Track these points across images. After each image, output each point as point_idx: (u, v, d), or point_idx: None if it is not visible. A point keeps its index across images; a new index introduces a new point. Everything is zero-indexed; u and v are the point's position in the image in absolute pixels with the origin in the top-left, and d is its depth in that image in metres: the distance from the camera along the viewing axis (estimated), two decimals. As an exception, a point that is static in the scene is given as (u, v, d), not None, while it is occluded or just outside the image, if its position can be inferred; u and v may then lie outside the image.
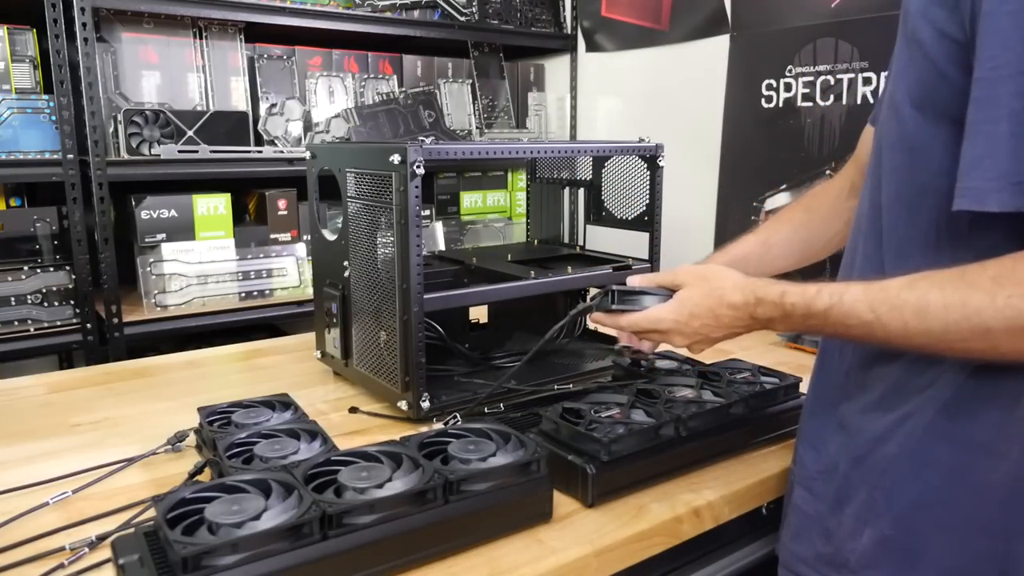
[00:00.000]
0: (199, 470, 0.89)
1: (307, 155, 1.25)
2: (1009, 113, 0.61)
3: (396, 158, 0.99)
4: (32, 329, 1.82)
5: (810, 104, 1.84)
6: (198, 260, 1.99)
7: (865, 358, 0.78)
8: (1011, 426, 0.69)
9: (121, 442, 1.01)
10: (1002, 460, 0.70)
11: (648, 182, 1.32)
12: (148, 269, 1.93)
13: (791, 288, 0.77)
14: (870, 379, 0.77)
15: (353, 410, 1.12)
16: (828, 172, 1.82)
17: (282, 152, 2.08)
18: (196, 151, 1.92)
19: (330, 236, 1.20)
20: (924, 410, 0.72)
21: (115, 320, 1.84)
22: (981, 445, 0.70)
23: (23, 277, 1.82)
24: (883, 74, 1.68)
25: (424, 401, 1.04)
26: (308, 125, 2.18)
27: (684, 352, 1.03)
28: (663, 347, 1.34)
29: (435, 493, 0.74)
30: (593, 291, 0.93)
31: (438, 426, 1.00)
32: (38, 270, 1.84)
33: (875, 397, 0.76)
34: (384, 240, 1.06)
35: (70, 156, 1.80)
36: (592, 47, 2.54)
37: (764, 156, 1.95)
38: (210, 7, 1.91)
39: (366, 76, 2.34)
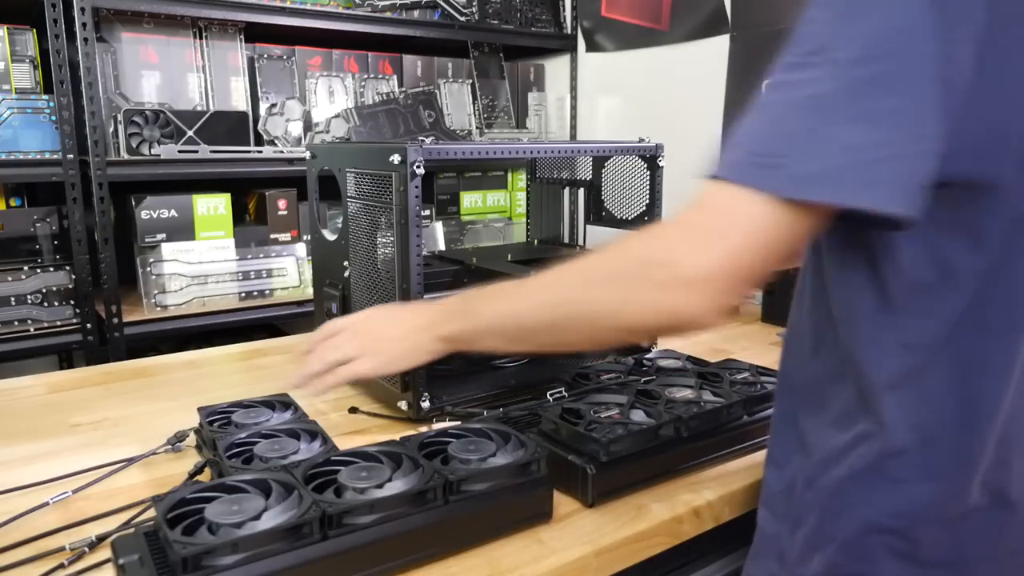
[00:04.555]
0: (199, 470, 0.89)
1: (307, 155, 1.25)
2: (771, 102, 0.62)
3: (396, 158, 0.99)
4: (32, 329, 1.82)
5: (810, 104, 1.84)
6: (198, 260, 1.99)
7: (822, 375, 0.75)
8: (965, 455, 0.65)
9: (121, 442, 1.01)
10: (956, 490, 0.66)
11: (648, 182, 1.32)
12: (148, 269, 1.93)
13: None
14: (827, 397, 0.73)
15: (353, 410, 1.12)
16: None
17: (282, 152, 2.08)
18: (196, 151, 1.92)
19: (330, 236, 1.20)
20: (877, 434, 0.67)
21: (115, 320, 1.84)
22: (933, 474, 0.66)
23: (23, 277, 1.82)
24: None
25: (424, 401, 1.04)
26: (308, 125, 2.18)
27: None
28: (661, 344, 1.34)
29: (435, 493, 0.74)
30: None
31: (438, 426, 1.00)
32: (38, 270, 1.84)
33: (831, 416, 0.72)
34: (384, 240, 1.06)
35: (70, 156, 1.80)
36: (592, 47, 2.54)
37: (764, 156, 1.95)
38: (210, 7, 1.91)
39: (366, 76, 2.34)
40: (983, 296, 0.63)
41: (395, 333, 0.90)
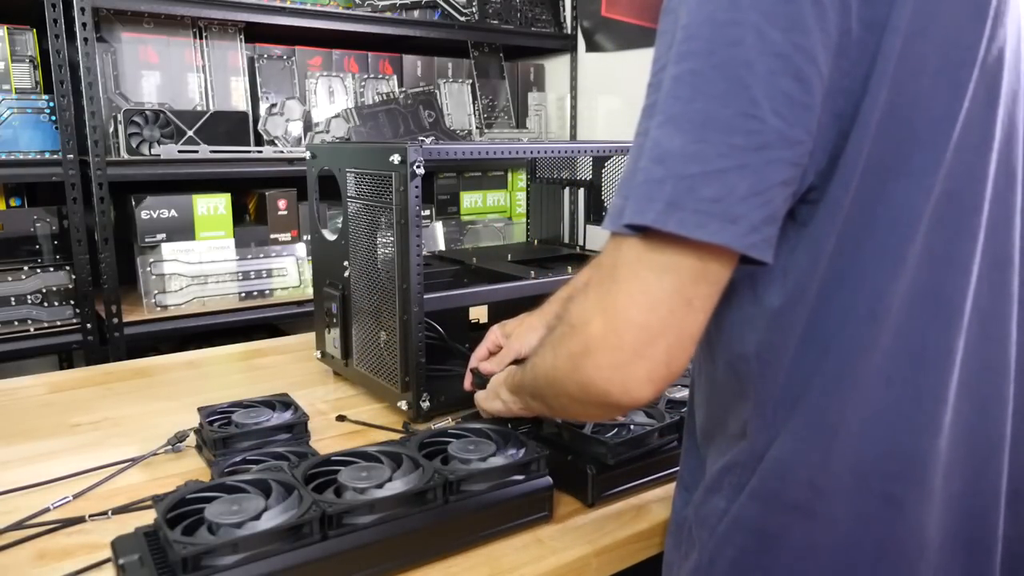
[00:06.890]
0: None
1: (307, 155, 1.25)
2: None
3: (396, 158, 0.99)
4: (32, 329, 1.82)
5: (810, 104, 1.84)
6: (198, 260, 1.99)
7: (718, 396, 0.69)
8: (824, 481, 0.59)
9: (121, 442, 1.01)
10: (820, 521, 0.60)
11: (648, 182, 1.32)
12: (148, 269, 1.93)
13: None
14: (726, 419, 0.67)
15: (340, 418, 1.12)
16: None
17: (282, 152, 2.08)
18: (196, 151, 1.92)
19: (330, 236, 1.20)
20: (745, 463, 0.62)
21: (115, 320, 1.84)
22: (793, 505, 0.60)
23: (23, 277, 1.82)
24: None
25: (424, 401, 1.04)
26: (308, 125, 2.18)
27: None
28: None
29: (435, 493, 0.74)
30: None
31: (438, 426, 1.00)
32: (38, 270, 1.84)
33: (724, 441, 0.66)
34: (384, 240, 1.06)
35: (70, 156, 1.80)
36: (592, 47, 2.54)
37: (764, 156, 1.95)
38: (210, 7, 1.91)
39: (366, 76, 2.34)
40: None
41: None
